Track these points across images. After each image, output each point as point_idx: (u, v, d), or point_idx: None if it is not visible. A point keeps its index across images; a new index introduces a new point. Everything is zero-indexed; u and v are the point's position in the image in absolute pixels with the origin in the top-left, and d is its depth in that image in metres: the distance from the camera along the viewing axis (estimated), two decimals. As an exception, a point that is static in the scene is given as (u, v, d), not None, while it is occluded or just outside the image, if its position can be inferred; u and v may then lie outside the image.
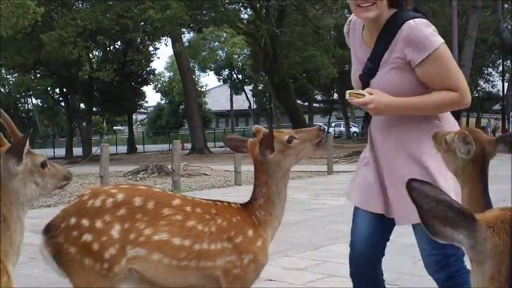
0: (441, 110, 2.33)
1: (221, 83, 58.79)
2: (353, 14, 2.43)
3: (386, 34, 2.28)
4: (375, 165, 2.45)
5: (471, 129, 2.07)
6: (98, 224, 2.16)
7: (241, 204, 2.45)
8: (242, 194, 7.61)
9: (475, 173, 1.96)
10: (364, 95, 2.23)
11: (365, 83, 2.37)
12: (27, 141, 2.12)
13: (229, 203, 2.47)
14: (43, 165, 2.20)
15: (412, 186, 1.04)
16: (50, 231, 2.21)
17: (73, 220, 2.17)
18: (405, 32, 2.23)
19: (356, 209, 2.56)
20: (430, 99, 2.26)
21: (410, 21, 2.24)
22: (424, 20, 2.26)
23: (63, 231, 2.18)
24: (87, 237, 2.15)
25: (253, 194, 2.43)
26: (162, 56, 60.20)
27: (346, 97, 2.30)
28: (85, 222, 2.16)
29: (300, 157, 2.47)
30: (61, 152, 36.33)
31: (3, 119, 2.26)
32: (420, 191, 1.03)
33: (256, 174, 2.43)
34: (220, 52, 51.33)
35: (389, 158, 2.40)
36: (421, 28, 2.24)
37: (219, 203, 2.41)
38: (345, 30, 2.59)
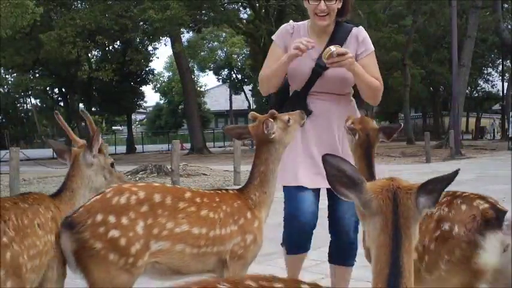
0: (371, 89, 2.94)
1: (220, 83, 58.83)
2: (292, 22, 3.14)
3: (338, 37, 2.98)
4: (309, 151, 2.98)
5: (362, 119, 2.71)
6: (124, 220, 2.28)
7: (237, 190, 2.73)
8: (241, 194, 7.54)
9: (362, 154, 2.58)
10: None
11: (318, 73, 2.94)
12: (99, 136, 2.82)
13: (227, 189, 2.73)
14: (112, 165, 2.92)
15: (325, 159, 1.48)
16: (74, 227, 2.27)
17: (99, 217, 2.26)
18: (355, 34, 3.03)
19: (301, 189, 2.96)
20: (370, 78, 2.91)
21: (356, 27, 3.07)
22: (361, 27, 3.12)
23: (89, 228, 2.26)
24: (114, 233, 2.25)
25: (251, 174, 2.71)
26: (161, 55, 60.56)
27: (332, 51, 2.73)
28: (111, 218, 2.27)
29: (294, 135, 2.82)
30: (60, 152, 36.33)
31: (85, 117, 2.97)
32: (329, 163, 1.46)
33: (257, 153, 2.69)
34: (219, 52, 51.35)
35: (321, 139, 2.97)
36: (364, 32, 3.09)
37: (219, 191, 2.66)
38: (290, 31, 3.09)
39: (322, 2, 2.86)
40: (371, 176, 2.46)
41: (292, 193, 2.95)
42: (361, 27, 3.10)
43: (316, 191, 3.04)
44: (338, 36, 2.98)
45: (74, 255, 2.28)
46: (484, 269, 1.98)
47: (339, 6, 2.94)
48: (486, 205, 2.16)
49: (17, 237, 2.14)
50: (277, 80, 2.98)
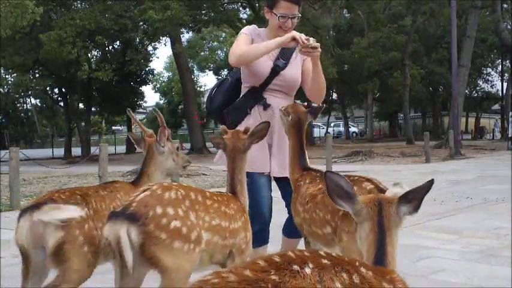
0: (322, 85, 3.48)
1: (220, 83, 58.70)
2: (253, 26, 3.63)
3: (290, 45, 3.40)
4: (270, 140, 3.45)
5: (294, 105, 3.23)
6: (180, 211, 2.50)
7: (230, 193, 2.97)
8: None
9: (294, 133, 3.13)
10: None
11: (275, 73, 3.45)
12: (165, 131, 3.41)
13: (223, 193, 2.96)
14: (178, 148, 3.54)
15: (327, 175, 1.80)
16: (138, 219, 2.41)
17: (159, 209, 2.45)
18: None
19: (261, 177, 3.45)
20: (322, 75, 3.47)
21: None
22: None
23: (152, 220, 2.42)
24: (175, 223, 2.46)
25: (232, 183, 2.97)
26: (161, 55, 60.62)
27: (309, 43, 3.14)
28: (170, 210, 2.47)
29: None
30: (60, 152, 36.32)
31: (157, 115, 3.49)
32: (330, 179, 1.78)
33: (234, 163, 2.97)
34: (219, 52, 51.34)
35: (274, 129, 3.44)
36: None
37: (221, 193, 2.92)
38: (256, 31, 3.55)
39: (290, 20, 3.41)
40: (301, 150, 3.10)
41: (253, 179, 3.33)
42: None
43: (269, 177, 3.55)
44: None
45: (140, 247, 2.41)
46: None
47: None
48: (372, 186, 2.66)
49: (95, 216, 2.82)
50: (256, 58, 3.34)
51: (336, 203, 1.79)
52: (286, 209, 3.54)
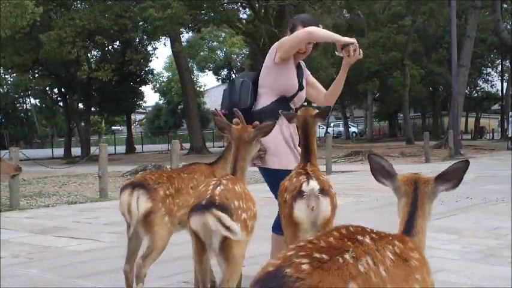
0: (340, 91, 3.95)
1: (220, 83, 58.77)
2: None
3: (301, 65, 4.00)
4: (290, 143, 3.80)
5: (305, 108, 3.46)
6: (244, 205, 2.86)
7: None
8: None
9: (301, 133, 3.41)
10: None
11: (300, 89, 3.87)
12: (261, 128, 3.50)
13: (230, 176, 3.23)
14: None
15: (370, 157, 2.09)
16: (226, 211, 2.72)
17: (236, 203, 2.80)
18: (304, 67, 4.05)
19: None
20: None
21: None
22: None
23: (234, 211, 2.77)
24: (244, 215, 2.81)
25: (234, 168, 3.23)
26: (161, 55, 60.60)
27: (352, 44, 3.52)
28: (241, 204, 2.83)
29: (258, 146, 3.50)
30: (59, 151, 36.30)
31: (237, 115, 3.49)
32: (373, 160, 2.07)
33: (238, 151, 3.26)
34: (219, 52, 51.32)
35: (296, 133, 3.79)
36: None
37: (230, 177, 3.17)
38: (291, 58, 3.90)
39: (306, 44, 3.81)
40: (306, 149, 3.35)
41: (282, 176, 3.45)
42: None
43: None
44: (301, 66, 3.99)
45: (221, 236, 2.72)
46: (298, 221, 2.96)
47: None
48: (305, 179, 3.03)
49: (175, 194, 3.56)
50: (322, 39, 3.77)
51: (378, 181, 2.08)
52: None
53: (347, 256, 1.44)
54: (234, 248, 2.76)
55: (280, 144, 3.72)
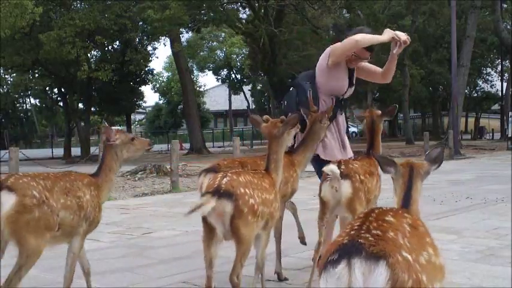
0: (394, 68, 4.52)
1: (219, 82, 58.85)
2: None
3: (352, 70, 4.52)
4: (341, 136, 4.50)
5: (371, 110, 4.14)
6: (250, 191, 3.11)
7: (264, 170, 3.53)
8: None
9: (368, 132, 4.04)
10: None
11: (350, 85, 4.46)
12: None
13: (258, 170, 3.56)
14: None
15: (375, 156, 2.83)
16: (232, 196, 3.00)
17: (242, 190, 3.06)
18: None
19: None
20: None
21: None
22: None
23: (241, 197, 3.02)
24: (252, 201, 3.08)
25: (268, 161, 3.51)
26: (161, 55, 60.74)
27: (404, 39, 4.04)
28: (247, 191, 3.08)
29: (291, 137, 3.84)
30: (59, 151, 36.27)
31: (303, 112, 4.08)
32: (377, 156, 2.67)
33: (271, 146, 3.53)
34: (218, 52, 51.32)
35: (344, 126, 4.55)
36: None
37: (257, 171, 3.50)
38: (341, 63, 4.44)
39: (353, 56, 4.37)
40: (370, 146, 3.99)
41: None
42: None
43: None
44: (352, 70, 4.54)
45: (230, 219, 3.00)
46: (324, 200, 3.61)
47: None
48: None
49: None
50: (368, 44, 4.22)
51: (384, 171, 2.50)
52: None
53: (391, 233, 1.87)
54: (241, 229, 3.02)
55: (328, 138, 4.31)
